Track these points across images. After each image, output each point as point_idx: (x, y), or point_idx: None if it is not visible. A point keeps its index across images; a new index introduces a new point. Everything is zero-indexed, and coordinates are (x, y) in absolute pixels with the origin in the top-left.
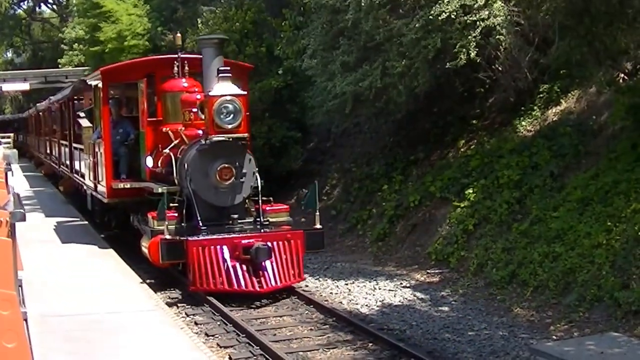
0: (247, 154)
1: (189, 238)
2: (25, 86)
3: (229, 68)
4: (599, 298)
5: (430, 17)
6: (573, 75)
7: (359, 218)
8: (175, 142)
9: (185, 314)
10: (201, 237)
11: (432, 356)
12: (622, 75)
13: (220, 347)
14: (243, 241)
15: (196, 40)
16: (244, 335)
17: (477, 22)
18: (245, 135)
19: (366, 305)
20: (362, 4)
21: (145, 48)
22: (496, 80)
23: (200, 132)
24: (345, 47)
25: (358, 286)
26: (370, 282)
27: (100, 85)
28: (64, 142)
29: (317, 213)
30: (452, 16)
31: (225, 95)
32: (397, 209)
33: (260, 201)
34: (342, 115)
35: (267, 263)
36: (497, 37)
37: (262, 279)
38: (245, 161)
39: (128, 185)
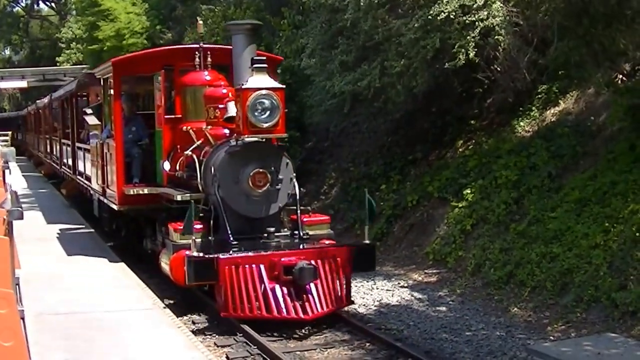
0: (284, 157)
1: (220, 256)
2: (23, 84)
3: (264, 58)
4: (597, 299)
5: (429, 17)
6: (571, 76)
7: (356, 218)
8: (198, 142)
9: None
10: (234, 255)
11: (429, 356)
12: (621, 76)
13: (218, 346)
14: (283, 259)
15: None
16: None
17: (476, 23)
18: (284, 135)
19: (364, 305)
20: (361, 4)
21: (143, 46)
22: (495, 81)
23: (227, 131)
24: (344, 47)
25: (355, 286)
26: (367, 281)
27: (111, 78)
28: (65, 141)
29: (367, 226)
30: (451, 16)
31: (261, 89)
32: (395, 208)
33: (299, 211)
34: (341, 115)
35: (312, 285)
36: (496, 37)
37: (307, 303)
38: (282, 165)
39: (145, 191)
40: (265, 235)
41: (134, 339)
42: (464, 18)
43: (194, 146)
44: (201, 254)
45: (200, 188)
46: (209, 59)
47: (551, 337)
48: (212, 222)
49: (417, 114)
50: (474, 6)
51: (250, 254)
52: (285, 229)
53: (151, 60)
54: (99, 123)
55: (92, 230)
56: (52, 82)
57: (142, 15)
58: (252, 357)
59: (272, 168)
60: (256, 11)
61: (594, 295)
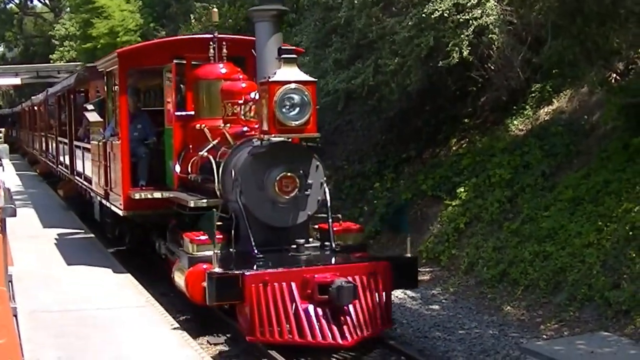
0: (313, 159)
1: (246, 272)
2: (17, 81)
3: (294, 48)
4: (590, 297)
5: (423, 15)
6: (565, 74)
7: (350, 216)
8: (214, 142)
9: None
10: (261, 270)
11: (422, 354)
12: (614, 75)
13: (211, 344)
14: (317, 276)
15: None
16: None
17: (470, 21)
18: (317, 135)
19: None
20: (355, 2)
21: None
22: (488, 79)
23: (245, 128)
24: (338, 45)
25: None
26: None
27: (116, 71)
28: (62, 139)
29: (409, 238)
30: (445, 14)
31: (291, 82)
32: (389, 207)
33: (330, 220)
34: (335, 113)
35: (351, 306)
36: (490, 36)
37: (345, 327)
38: (311, 168)
39: (156, 195)
40: (294, 247)
41: (127, 336)
42: (458, 16)
43: (209, 146)
44: (227, 271)
45: (218, 193)
46: (224, 51)
47: (544, 336)
48: (232, 231)
49: (411, 112)
50: (468, 4)
51: (279, 269)
52: (315, 240)
53: (160, 52)
54: (101, 120)
55: (92, 235)
56: (45, 79)
57: (136, 13)
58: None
59: (301, 171)
60: (245, 15)
61: (587, 294)
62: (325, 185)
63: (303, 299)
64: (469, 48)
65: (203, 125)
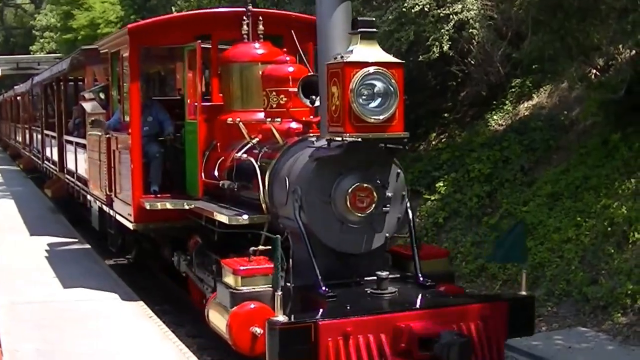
0: (393, 164)
1: (320, 320)
2: None
3: (373, 19)
4: (568, 293)
5: (404, 9)
6: (545, 70)
7: None
8: (254, 140)
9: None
10: (340, 318)
11: None
12: (594, 71)
13: (189, 336)
14: (413, 324)
15: None
16: None
17: (451, 16)
18: (405, 135)
19: None
20: None
21: None
22: (468, 74)
23: (294, 124)
24: None
25: None
26: None
27: (126, 50)
28: (49, 133)
29: (525, 271)
30: (426, 9)
31: (372, 64)
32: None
33: (414, 244)
34: None
35: None
36: (470, 30)
37: None
38: (391, 177)
39: (182, 205)
40: (372, 279)
41: (107, 328)
42: (439, 11)
43: (248, 145)
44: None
45: (264, 207)
46: (260, 27)
47: None
48: (290, 259)
49: None
50: None
51: (364, 317)
52: (393, 268)
53: (181, 28)
54: (103, 112)
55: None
56: (26, 71)
57: (117, 5)
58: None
59: (379, 181)
60: (231, 1)
61: (565, 289)
62: (407, 198)
63: (397, 356)
64: (449, 43)
65: (237, 120)
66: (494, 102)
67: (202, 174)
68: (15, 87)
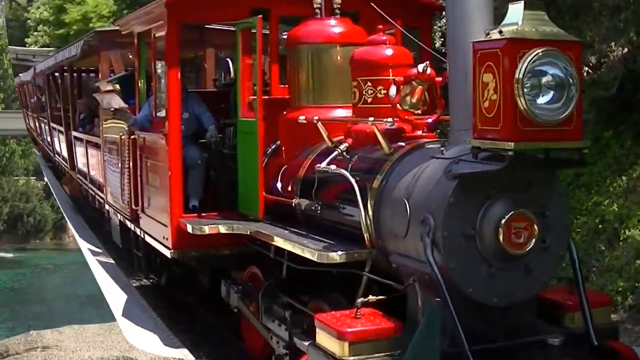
0: (554, 183)
1: None
2: None
3: None
4: None
5: None
6: None
7: None
8: (342, 146)
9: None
10: None
11: None
12: (587, 68)
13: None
14: None
15: None
16: None
17: (442, 12)
18: (585, 145)
19: None
20: None
21: None
22: None
23: (394, 125)
24: None
25: None
26: None
27: (161, 29)
28: (56, 127)
29: None
30: None
31: (544, 42)
32: None
33: (581, 290)
34: None
35: None
36: None
37: None
38: (553, 201)
39: (242, 231)
40: (526, 341)
41: None
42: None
43: (334, 153)
44: None
45: (366, 238)
46: (336, 1)
47: None
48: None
49: None
50: None
51: None
52: (548, 324)
53: (232, 0)
54: (125, 106)
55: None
56: (22, 62)
57: None
58: None
59: (538, 207)
60: None
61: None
62: (569, 229)
63: None
64: (442, 39)
65: (315, 118)
66: None
67: (263, 189)
68: (20, 74)
